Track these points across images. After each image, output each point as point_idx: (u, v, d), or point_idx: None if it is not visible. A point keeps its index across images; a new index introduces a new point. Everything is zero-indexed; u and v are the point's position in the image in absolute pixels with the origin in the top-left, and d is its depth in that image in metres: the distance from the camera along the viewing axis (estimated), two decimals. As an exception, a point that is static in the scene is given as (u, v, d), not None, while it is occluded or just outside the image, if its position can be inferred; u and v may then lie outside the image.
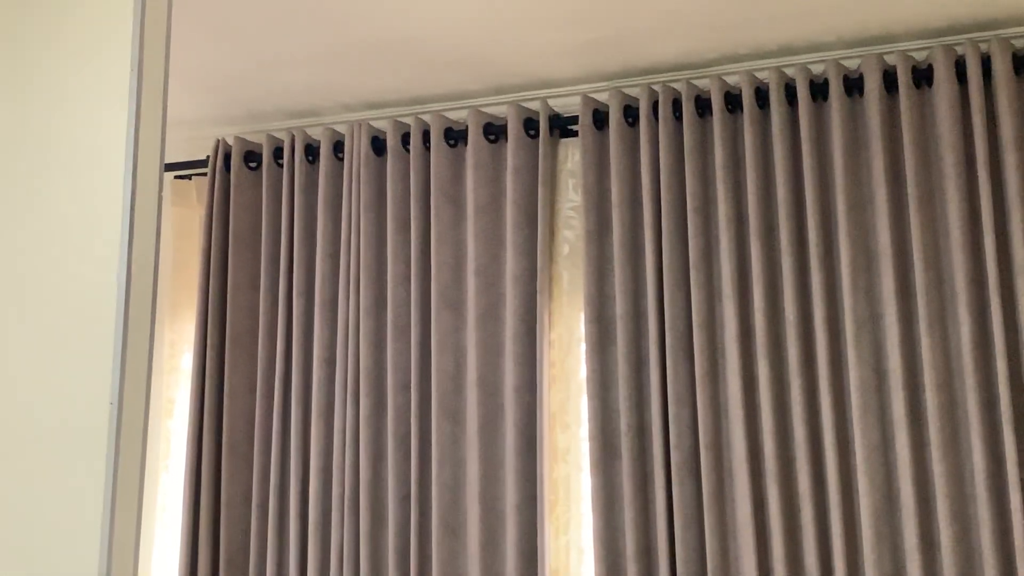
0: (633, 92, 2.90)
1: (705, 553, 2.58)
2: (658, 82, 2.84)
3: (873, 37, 2.67)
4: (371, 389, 2.90)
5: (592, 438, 2.69)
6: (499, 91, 3.01)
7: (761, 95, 2.73)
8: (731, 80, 2.82)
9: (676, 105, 2.79)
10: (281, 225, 3.11)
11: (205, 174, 3.27)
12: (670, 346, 2.65)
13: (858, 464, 2.48)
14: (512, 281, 2.82)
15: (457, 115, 3.08)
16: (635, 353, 2.71)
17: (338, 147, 3.10)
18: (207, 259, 3.12)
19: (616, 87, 2.87)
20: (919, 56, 2.67)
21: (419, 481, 2.82)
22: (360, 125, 3.04)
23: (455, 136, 2.98)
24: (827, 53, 2.75)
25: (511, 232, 2.85)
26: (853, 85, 2.65)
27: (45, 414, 1.37)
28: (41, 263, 1.43)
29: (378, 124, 3.15)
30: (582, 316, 2.83)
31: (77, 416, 1.35)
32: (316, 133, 3.21)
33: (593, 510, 2.66)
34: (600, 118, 2.86)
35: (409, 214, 2.98)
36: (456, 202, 2.96)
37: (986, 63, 2.56)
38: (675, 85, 2.86)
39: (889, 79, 2.63)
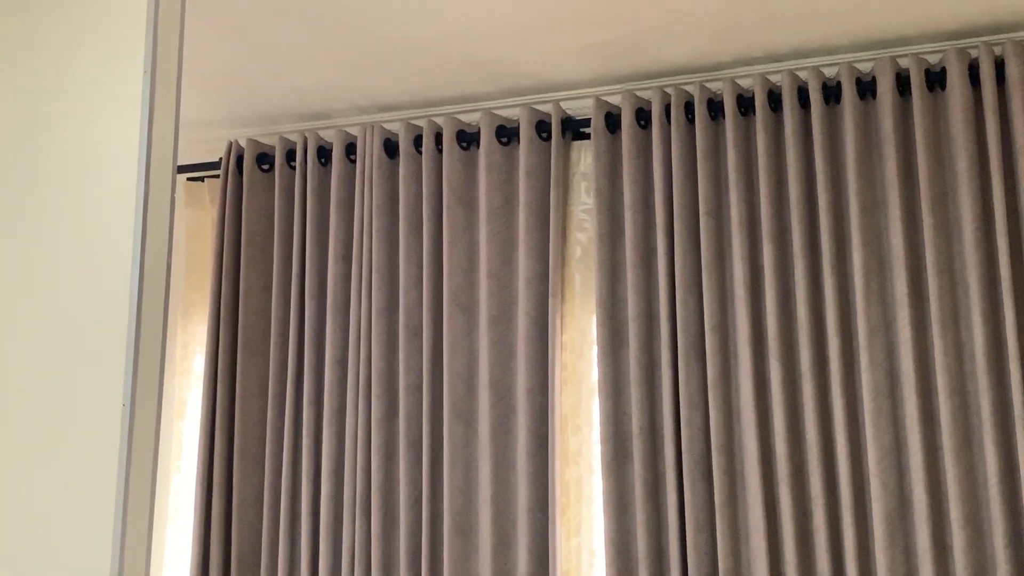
0: (645, 95, 2.90)
1: (717, 556, 2.58)
2: (670, 85, 2.84)
3: (886, 40, 2.66)
4: (383, 391, 2.91)
5: (604, 440, 2.69)
6: (511, 93, 3.01)
7: (774, 98, 2.72)
8: (744, 83, 2.81)
9: (688, 108, 2.79)
10: (293, 227, 3.12)
11: (218, 176, 3.28)
12: (682, 349, 2.65)
13: (870, 467, 2.47)
14: (524, 284, 2.82)
15: (469, 117, 3.08)
16: (647, 356, 2.71)
17: (350, 149, 3.11)
18: (219, 261, 3.12)
19: (628, 90, 2.87)
20: (932, 59, 2.67)
21: (431, 483, 2.82)
22: (372, 127, 3.04)
23: (467, 139, 2.98)
24: (840, 56, 2.74)
25: (523, 235, 2.85)
26: (866, 88, 2.65)
27: (58, 415, 1.37)
28: (54, 265, 1.43)
29: (390, 126, 3.16)
30: (594, 319, 2.83)
31: (90, 417, 1.35)
32: (329, 135, 3.21)
33: (604, 512, 2.66)
34: (612, 121, 2.86)
35: (421, 216, 2.99)
36: (468, 205, 2.96)
37: (999, 66, 2.55)
38: (687, 88, 2.86)
39: (902, 82, 2.63)
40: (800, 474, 2.56)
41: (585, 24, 2.58)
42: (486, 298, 2.85)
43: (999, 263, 2.46)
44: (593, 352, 2.86)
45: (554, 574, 2.69)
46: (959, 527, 2.38)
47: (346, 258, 3.05)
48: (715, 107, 2.77)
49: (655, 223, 2.76)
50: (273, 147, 3.21)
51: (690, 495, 2.59)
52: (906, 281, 2.51)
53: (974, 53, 2.60)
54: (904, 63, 2.66)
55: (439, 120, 3.10)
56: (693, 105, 2.78)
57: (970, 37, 2.64)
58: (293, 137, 3.27)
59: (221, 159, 3.23)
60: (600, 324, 2.74)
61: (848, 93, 2.63)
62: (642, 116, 2.83)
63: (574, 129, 2.93)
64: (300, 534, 2.95)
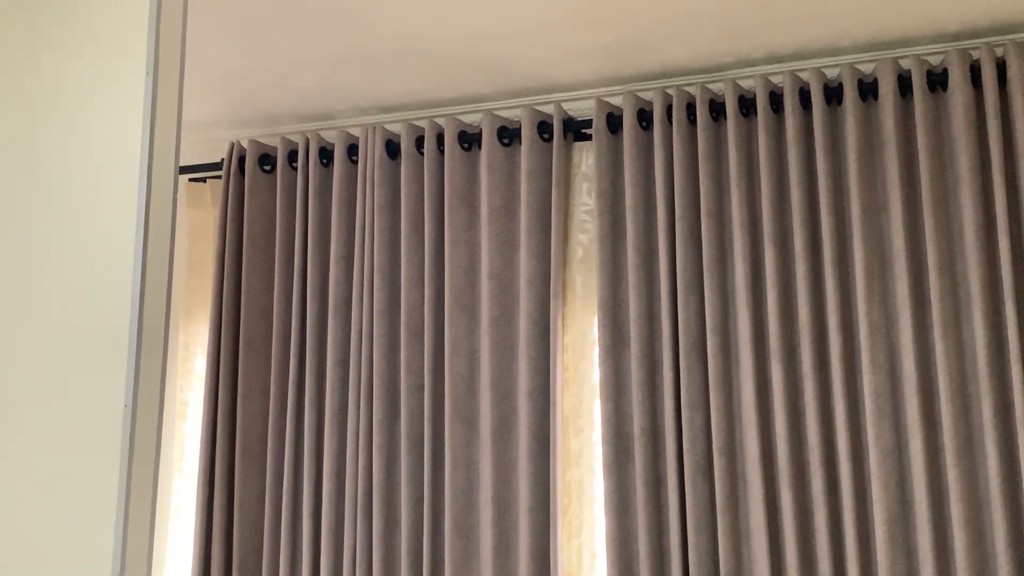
0: (647, 96, 2.90)
1: (718, 557, 2.58)
2: (672, 86, 2.84)
3: (888, 41, 2.66)
4: (384, 392, 2.91)
5: (605, 441, 2.69)
6: (513, 95, 3.01)
7: (775, 99, 2.72)
8: (745, 84, 2.81)
9: (690, 109, 2.79)
10: (295, 228, 3.12)
11: (220, 177, 3.28)
12: (683, 350, 2.65)
13: (872, 468, 2.47)
14: (526, 285, 2.82)
15: (471, 119, 3.08)
16: (648, 357, 2.71)
17: (352, 150, 3.11)
18: (221, 262, 3.13)
19: (630, 91, 2.87)
20: (934, 60, 2.67)
21: (432, 484, 2.82)
22: (374, 128, 3.04)
23: (469, 140, 2.98)
24: (841, 57, 2.74)
25: (525, 236, 2.85)
26: (868, 89, 2.65)
27: (60, 416, 1.37)
28: (56, 265, 1.43)
29: (392, 127, 3.16)
30: (595, 320, 2.83)
31: (91, 418, 1.35)
32: (330, 136, 3.22)
33: (606, 513, 2.66)
34: (614, 122, 2.86)
35: (423, 217, 2.99)
36: (470, 205, 2.96)
37: (1001, 67, 2.55)
38: (689, 89, 2.86)
39: (904, 83, 2.63)
40: (801, 475, 2.56)
41: (587, 25, 2.58)
42: (487, 299, 2.85)
43: (1000, 264, 2.46)
44: (594, 353, 2.86)
45: (555, 575, 2.69)
46: (960, 528, 2.38)
47: (347, 259, 3.05)
48: (717, 108, 2.77)
49: (656, 224, 2.76)
50: (275, 148, 3.22)
51: (691, 496, 2.59)
52: (907, 282, 2.51)
53: (976, 54, 2.60)
54: (905, 64, 2.66)
55: (441, 121, 3.10)
56: (695, 106, 2.78)
57: (972, 38, 2.64)
58: (295, 138, 3.28)
59: (223, 160, 3.23)
60: (601, 325, 2.75)
61: (849, 94, 2.64)
62: (644, 117, 2.83)
63: (576, 130, 2.94)
64: (301, 534, 2.95)
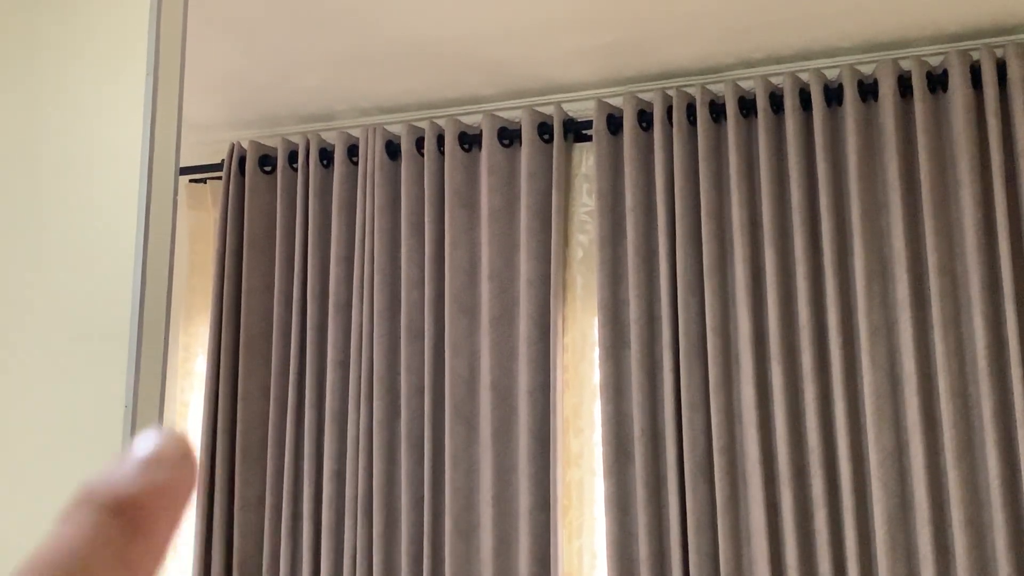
0: (647, 97, 2.90)
1: (718, 558, 2.58)
2: (672, 87, 2.84)
3: (888, 42, 2.66)
4: (385, 392, 2.91)
5: (605, 442, 2.69)
6: (513, 95, 3.01)
7: (776, 100, 2.72)
8: (746, 85, 2.81)
9: (691, 110, 2.79)
10: (295, 229, 3.12)
11: (220, 178, 3.28)
12: (684, 351, 2.65)
13: (872, 470, 2.47)
14: (526, 285, 2.82)
15: (471, 119, 3.08)
16: (649, 358, 2.71)
17: (352, 151, 3.11)
18: (221, 263, 3.13)
19: (630, 92, 2.87)
20: (934, 61, 2.67)
21: (432, 484, 2.83)
22: (375, 129, 3.04)
23: (469, 140, 2.98)
24: (842, 58, 2.74)
25: (525, 236, 2.85)
26: (868, 90, 2.65)
27: (59, 417, 1.38)
28: (56, 266, 1.43)
29: (393, 128, 3.16)
30: (596, 320, 2.83)
31: (91, 419, 1.35)
32: (331, 137, 3.22)
33: (606, 514, 2.66)
34: (614, 123, 2.86)
35: (423, 218, 2.99)
36: (470, 206, 2.96)
37: (1001, 68, 2.55)
38: (689, 90, 2.86)
39: (904, 84, 2.63)
40: (802, 476, 2.56)
41: (587, 26, 2.58)
42: (487, 300, 2.85)
43: (1001, 265, 2.46)
44: (595, 354, 2.86)
45: (555, 576, 2.69)
46: (961, 529, 2.38)
47: (348, 259, 3.05)
48: (717, 109, 2.77)
49: (657, 225, 2.76)
50: (275, 149, 3.22)
51: (691, 497, 2.59)
52: (907, 283, 2.51)
53: (976, 55, 2.60)
54: (906, 65, 2.66)
55: (441, 122, 3.10)
56: (695, 107, 2.78)
57: (972, 39, 2.64)
58: (295, 139, 3.28)
59: (223, 161, 3.23)
60: (602, 326, 2.75)
61: (850, 95, 2.64)
62: (644, 118, 2.83)
63: (576, 131, 2.94)
64: (302, 535, 2.95)
